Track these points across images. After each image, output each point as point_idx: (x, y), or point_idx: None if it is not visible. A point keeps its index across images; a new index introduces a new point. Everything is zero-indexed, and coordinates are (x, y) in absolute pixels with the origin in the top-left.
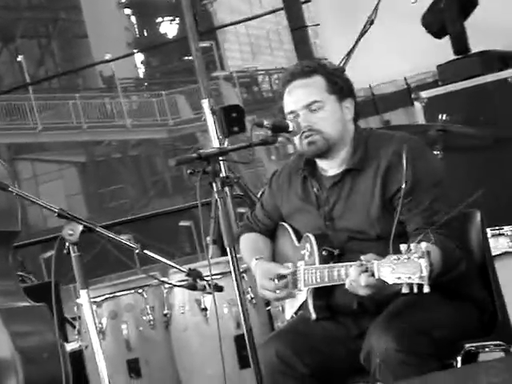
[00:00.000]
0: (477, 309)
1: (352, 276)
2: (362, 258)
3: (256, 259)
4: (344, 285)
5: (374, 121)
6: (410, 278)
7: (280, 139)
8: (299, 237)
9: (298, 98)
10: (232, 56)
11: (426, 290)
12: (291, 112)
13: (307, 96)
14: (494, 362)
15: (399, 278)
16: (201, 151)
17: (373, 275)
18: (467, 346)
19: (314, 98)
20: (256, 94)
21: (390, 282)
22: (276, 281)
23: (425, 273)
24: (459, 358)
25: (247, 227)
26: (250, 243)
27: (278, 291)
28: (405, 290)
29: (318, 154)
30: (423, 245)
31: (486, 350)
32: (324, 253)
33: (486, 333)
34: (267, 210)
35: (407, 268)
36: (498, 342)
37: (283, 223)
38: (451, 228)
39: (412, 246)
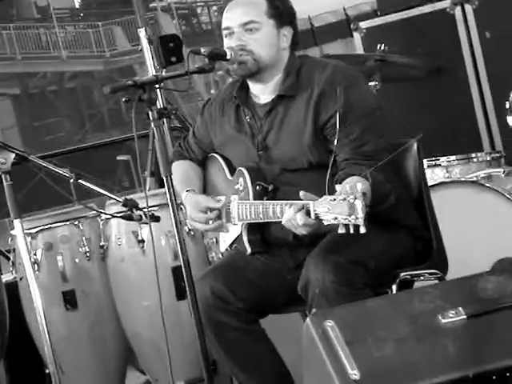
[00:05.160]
0: (412, 238)
1: (289, 215)
2: (301, 194)
3: (187, 191)
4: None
5: (313, 52)
6: (346, 219)
7: (219, 73)
8: (231, 168)
9: (235, 14)
10: None
11: (363, 230)
12: (227, 28)
13: (245, 15)
14: (428, 289)
15: (336, 218)
16: (136, 78)
17: (309, 215)
18: (402, 274)
19: (251, 18)
20: (195, 26)
21: (326, 222)
22: (208, 212)
23: (361, 214)
24: (394, 287)
25: (179, 154)
26: (181, 172)
27: (209, 222)
28: (341, 231)
29: (248, 75)
30: (359, 186)
31: (421, 278)
32: (258, 188)
33: (421, 261)
34: (199, 139)
35: (343, 208)
36: (432, 271)
37: (214, 154)
38: (381, 160)
39: (348, 186)
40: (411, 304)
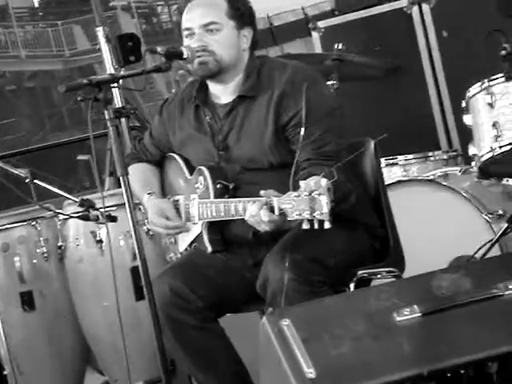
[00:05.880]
0: (369, 236)
1: (253, 211)
2: (261, 192)
3: (148, 194)
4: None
5: (274, 52)
6: (311, 214)
7: (180, 72)
8: (190, 168)
9: (196, 15)
10: None
11: (327, 226)
12: (187, 29)
13: (206, 16)
14: (385, 287)
15: (300, 214)
16: (92, 77)
17: (273, 211)
18: (360, 272)
19: (212, 19)
20: (155, 25)
21: (291, 219)
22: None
23: (326, 209)
24: (352, 285)
25: (134, 156)
26: (138, 175)
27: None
28: (305, 226)
29: (209, 76)
30: (323, 182)
31: (379, 276)
32: (219, 186)
33: (379, 260)
34: (156, 139)
35: (308, 204)
36: (389, 269)
37: (172, 154)
38: (341, 160)
39: (312, 183)
40: (367, 302)
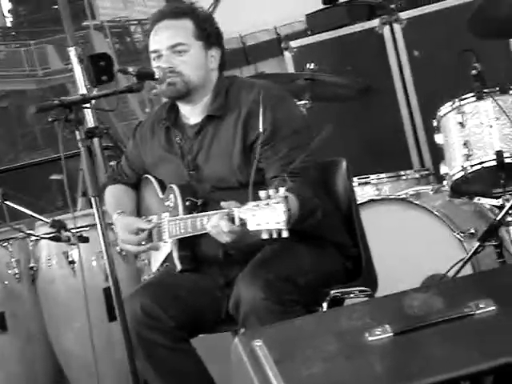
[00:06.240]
0: (342, 255)
1: (213, 222)
2: (222, 204)
3: (117, 213)
4: (209, 235)
5: (248, 71)
6: (268, 223)
7: (154, 91)
8: (164, 188)
9: (163, 37)
10: (103, 5)
11: (285, 234)
12: (155, 51)
13: (173, 37)
14: (357, 306)
15: (259, 224)
16: (63, 98)
17: (233, 221)
18: (333, 292)
19: (179, 41)
20: (129, 44)
21: (251, 228)
22: (140, 233)
23: (283, 218)
24: (325, 304)
25: (112, 178)
26: (113, 196)
27: (142, 244)
28: (264, 236)
29: (177, 97)
30: (281, 190)
31: (351, 295)
32: (187, 203)
33: (352, 279)
34: (132, 162)
35: (266, 214)
36: (362, 288)
37: (147, 175)
38: (308, 176)
39: (271, 192)
40: (339, 322)
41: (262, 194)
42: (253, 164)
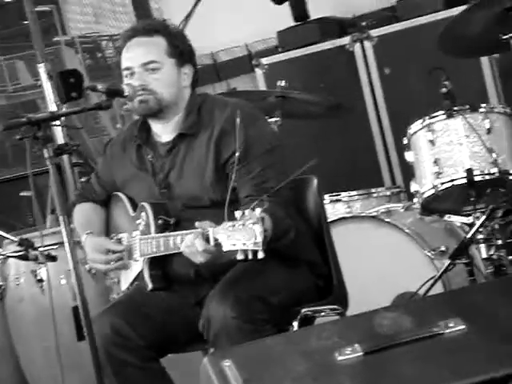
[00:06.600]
0: (313, 274)
1: (188, 241)
2: (196, 224)
3: (87, 234)
4: (181, 254)
5: (220, 87)
6: (244, 244)
7: (125, 107)
8: (134, 206)
9: (135, 54)
10: (74, 20)
11: (261, 255)
12: (127, 68)
13: (146, 55)
14: (327, 325)
15: (234, 244)
16: (31, 115)
17: (208, 241)
18: (303, 310)
19: (152, 58)
20: (100, 59)
21: (226, 249)
22: (109, 253)
23: (259, 239)
24: (296, 323)
25: (82, 196)
26: (82, 215)
27: (111, 263)
28: (240, 257)
29: (149, 114)
30: (257, 211)
31: (322, 314)
32: (160, 222)
33: (323, 297)
34: (102, 179)
35: (242, 234)
36: (333, 306)
37: (117, 193)
38: (282, 196)
39: (247, 212)
40: (309, 341)
41: (237, 214)
42: (227, 183)
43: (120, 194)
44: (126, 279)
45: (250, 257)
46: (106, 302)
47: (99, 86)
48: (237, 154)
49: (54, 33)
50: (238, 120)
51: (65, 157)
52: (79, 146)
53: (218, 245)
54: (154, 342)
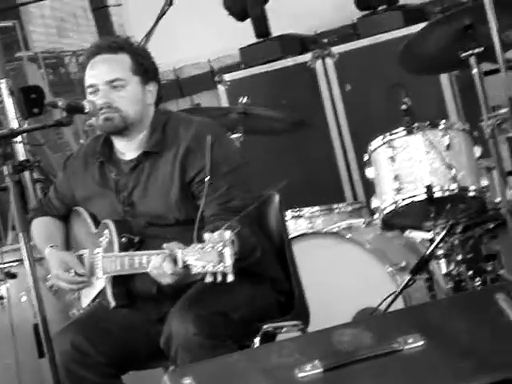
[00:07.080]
0: (274, 290)
1: (156, 263)
2: (164, 245)
3: (50, 247)
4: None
5: (184, 103)
6: (214, 266)
7: (88, 122)
8: (96, 222)
9: (100, 72)
10: (37, 36)
11: (230, 278)
12: (91, 86)
13: (110, 72)
14: (287, 342)
15: (204, 266)
16: None
17: (176, 262)
18: (265, 326)
19: (116, 76)
20: (63, 75)
21: (195, 271)
22: (72, 273)
23: (229, 262)
24: (257, 340)
25: (40, 210)
26: (42, 228)
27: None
28: (209, 279)
29: (114, 132)
30: (227, 234)
31: (284, 330)
32: (124, 240)
33: (284, 313)
34: (61, 194)
35: (212, 257)
36: (295, 322)
37: (78, 208)
38: (247, 215)
39: (216, 234)
40: (269, 358)
41: (206, 235)
42: (192, 202)
43: (81, 209)
44: (87, 296)
45: (220, 279)
46: (66, 319)
47: (59, 103)
48: (207, 178)
49: (16, 48)
50: (208, 138)
51: (26, 173)
52: (41, 162)
53: (186, 267)
54: (114, 359)
